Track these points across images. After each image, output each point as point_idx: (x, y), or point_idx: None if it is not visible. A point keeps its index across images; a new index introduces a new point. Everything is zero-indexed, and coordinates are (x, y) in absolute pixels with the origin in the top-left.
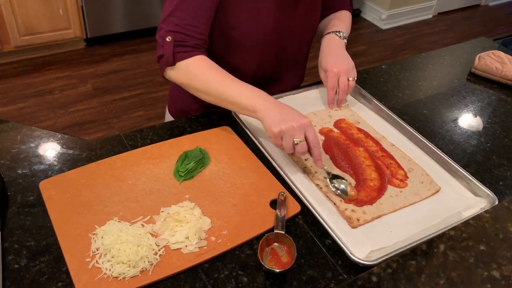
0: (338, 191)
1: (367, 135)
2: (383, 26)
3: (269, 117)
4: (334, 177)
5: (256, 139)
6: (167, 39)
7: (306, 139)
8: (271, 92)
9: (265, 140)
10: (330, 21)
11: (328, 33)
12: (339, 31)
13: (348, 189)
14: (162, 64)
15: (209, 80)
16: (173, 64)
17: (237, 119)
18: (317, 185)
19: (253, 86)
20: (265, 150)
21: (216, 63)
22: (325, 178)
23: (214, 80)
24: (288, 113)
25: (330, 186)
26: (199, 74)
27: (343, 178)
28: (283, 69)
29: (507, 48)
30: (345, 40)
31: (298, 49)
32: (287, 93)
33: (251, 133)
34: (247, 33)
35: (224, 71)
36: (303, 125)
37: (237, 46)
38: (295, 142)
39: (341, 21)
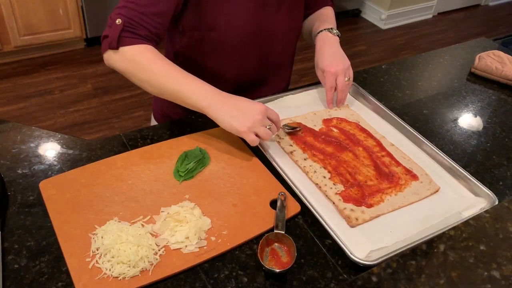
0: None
1: (368, 134)
2: (383, 26)
3: (227, 116)
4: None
5: None
6: (117, 21)
7: (269, 119)
8: (255, 97)
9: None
10: (316, 19)
11: (321, 31)
12: (331, 28)
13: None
14: (104, 45)
15: (154, 71)
16: (116, 47)
17: None
18: (317, 184)
19: (202, 81)
20: (265, 150)
21: (195, 69)
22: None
23: (159, 71)
24: (242, 105)
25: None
26: (145, 63)
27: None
28: (268, 72)
29: (507, 48)
30: (339, 37)
31: (282, 51)
32: (287, 93)
33: None
34: (226, 34)
35: (173, 63)
36: (263, 111)
37: (217, 48)
38: (268, 127)
39: (328, 17)
